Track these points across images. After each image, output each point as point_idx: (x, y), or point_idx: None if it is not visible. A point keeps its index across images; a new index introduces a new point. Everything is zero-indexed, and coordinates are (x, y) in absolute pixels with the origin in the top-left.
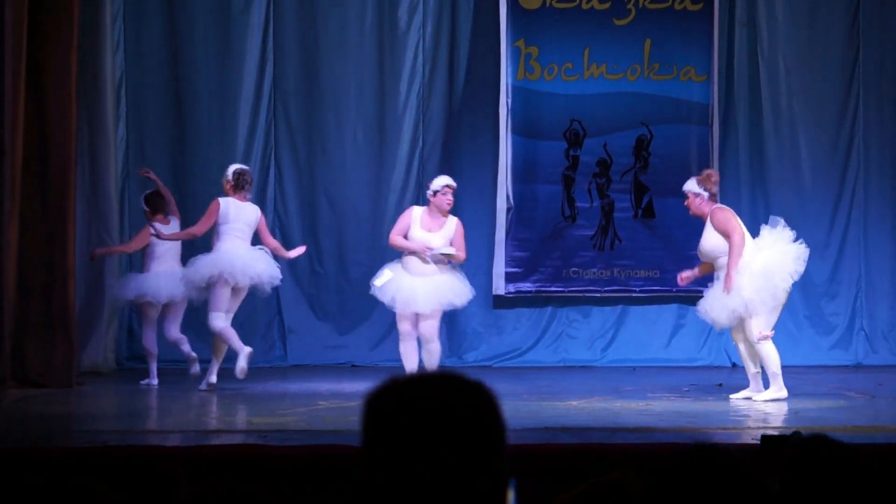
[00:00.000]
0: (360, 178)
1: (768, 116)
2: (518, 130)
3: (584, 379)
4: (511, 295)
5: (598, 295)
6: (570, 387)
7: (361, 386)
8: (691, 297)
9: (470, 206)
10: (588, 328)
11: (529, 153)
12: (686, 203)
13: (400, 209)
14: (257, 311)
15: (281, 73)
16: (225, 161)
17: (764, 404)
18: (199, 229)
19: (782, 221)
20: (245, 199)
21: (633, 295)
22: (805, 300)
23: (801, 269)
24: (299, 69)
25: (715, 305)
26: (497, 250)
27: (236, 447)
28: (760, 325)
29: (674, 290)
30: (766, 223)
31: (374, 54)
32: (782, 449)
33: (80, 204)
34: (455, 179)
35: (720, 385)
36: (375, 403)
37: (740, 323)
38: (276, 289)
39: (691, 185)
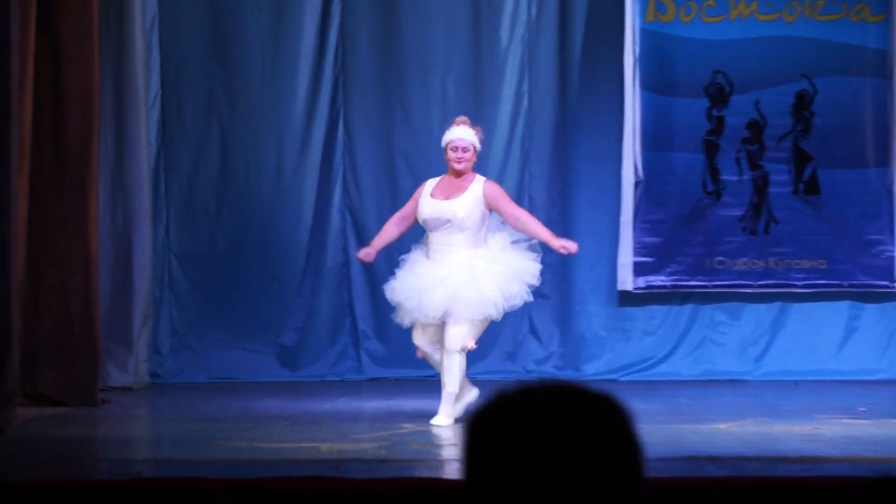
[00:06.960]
0: None
1: None
2: (648, 85)
3: (733, 396)
4: (641, 291)
5: (751, 291)
6: (716, 406)
7: None
8: (867, 293)
9: (589, 181)
10: (738, 332)
11: (662, 113)
12: (468, 156)
13: (501, 180)
14: (321, 308)
15: (350, 12)
16: (281, 124)
17: None
18: None
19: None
20: None
21: (795, 291)
22: None
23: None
24: (373, 7)
25: (467, 295)
26: (623, 235)
27: (301, 480)
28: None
29: (846, 284)
30: None
31: None
32: None
33: (103, 179)
34: (569, 146)
35: None
36: (480, 424)
37: (438, 329)
38: (347, 280)
39: (475, 138)
